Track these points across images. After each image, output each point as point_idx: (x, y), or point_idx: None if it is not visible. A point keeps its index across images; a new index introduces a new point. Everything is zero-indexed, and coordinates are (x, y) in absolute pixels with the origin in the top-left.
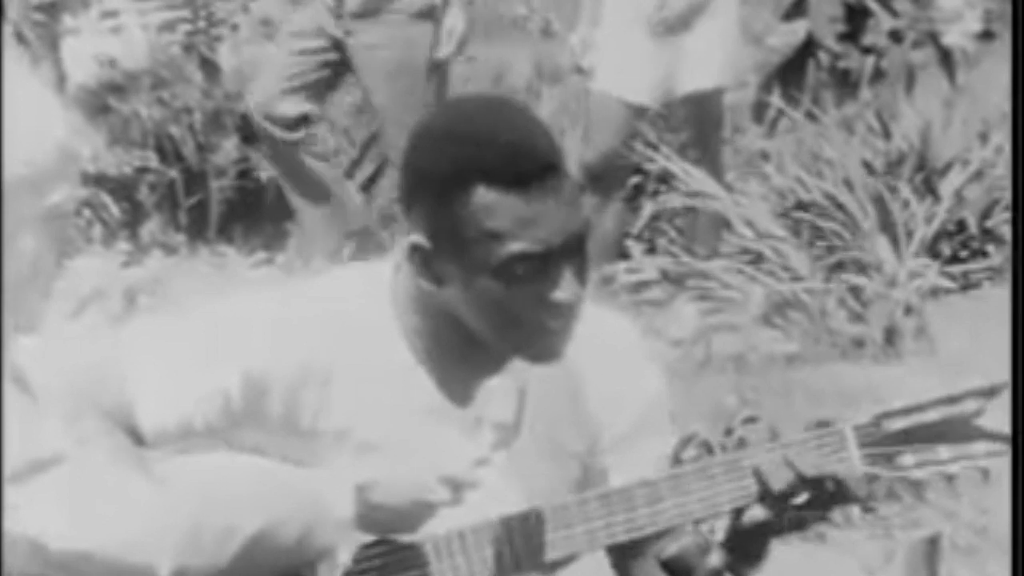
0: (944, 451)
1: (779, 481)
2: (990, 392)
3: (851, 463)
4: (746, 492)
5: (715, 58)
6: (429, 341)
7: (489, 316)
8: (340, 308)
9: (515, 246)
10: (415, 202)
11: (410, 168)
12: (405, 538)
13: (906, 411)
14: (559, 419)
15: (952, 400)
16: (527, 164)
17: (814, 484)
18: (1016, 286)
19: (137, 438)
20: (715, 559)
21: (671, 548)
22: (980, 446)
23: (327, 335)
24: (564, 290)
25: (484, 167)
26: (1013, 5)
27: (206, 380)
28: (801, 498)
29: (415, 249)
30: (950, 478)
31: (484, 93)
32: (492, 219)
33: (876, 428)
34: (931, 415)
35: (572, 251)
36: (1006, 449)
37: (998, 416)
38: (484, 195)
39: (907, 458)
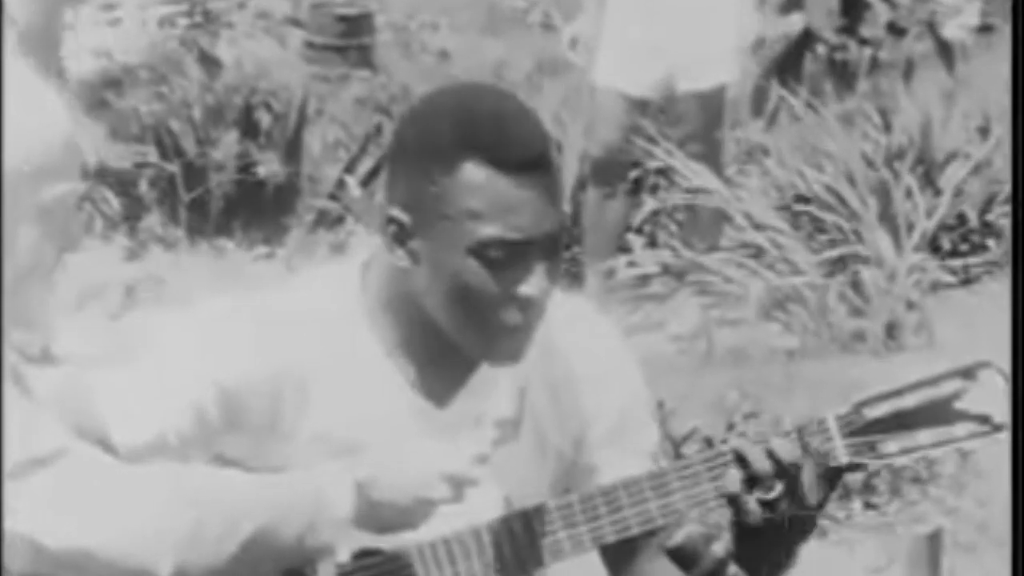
0: (925, 435)
1: (758, 462)
2: (967, 373)
3: (835, 454)
4: (727, 489)
5: (719, 56)
6: (401, 339)
7: (454, 304)
8: (312, 312)
9: (492, 229)
10: (400, 173)
11: (401, 139)
12: (391, 548)
13: (885, 396)
14: (545, 415)
15: (930, 383)
16: (520, 150)
17: (788, 471)
18: (1016, 279)
19: (111, 452)
20: (719, 548)
21: (676, 537)
22: (961, 428)
23: (301, 340)
24: (532, 285)
25: (477, 143)
26: (1013, 5)
27: (179, 393)
28: (776, 490)
29: (392, 222)
30: (931, 464)
31: (492, 83)
32: (475, 198)
33: (857, 416)
34: (910, 400)
35: (547, 249)
36: (987, 430)
37: (977, 397)
38: (472, 171)
39: (889, 445)
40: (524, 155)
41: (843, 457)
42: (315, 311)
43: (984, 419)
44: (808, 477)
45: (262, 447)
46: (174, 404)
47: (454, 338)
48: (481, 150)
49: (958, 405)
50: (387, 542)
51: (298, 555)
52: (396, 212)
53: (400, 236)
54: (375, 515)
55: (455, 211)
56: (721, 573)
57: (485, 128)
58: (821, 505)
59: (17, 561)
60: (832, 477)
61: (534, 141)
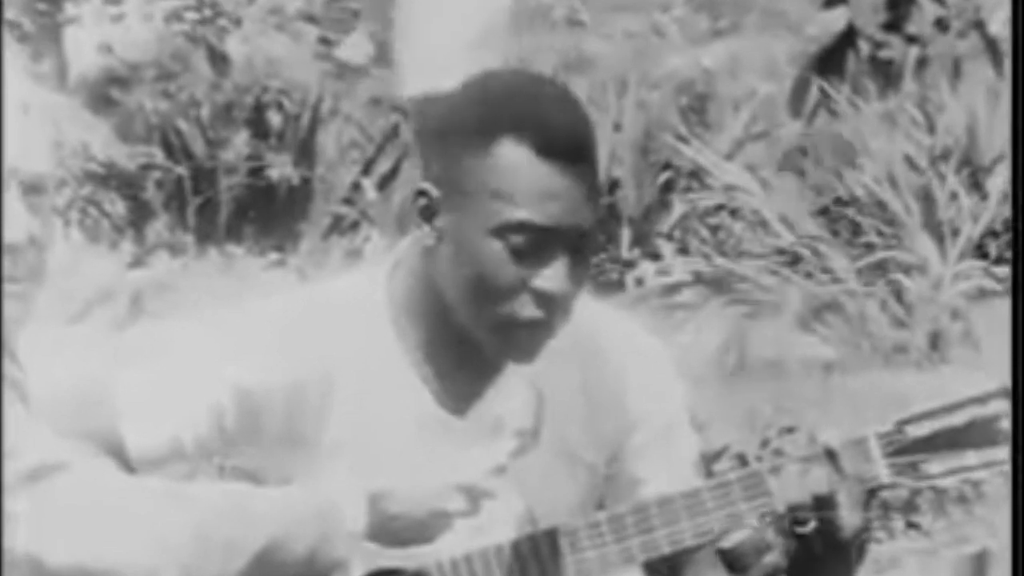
0: (970, 457)
1: (794, 494)
2: (1012, 392)
3: (876, 474)
4: (765, 510)
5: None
6: (424, 346)
7: (470, 289)
8: (335, 317)
9: (519, 213)
10: (436, 148)
11: (445, 115)
12: (411, 567)
13: (929, 415)
14: (573, 427)
15: (975, 401)
16: (560, 137)
17: (821, 503)
18: (1016, 298)
19: (124, 462)
20: (771, 560)
21: (732, 539)
22: (1006, 450)
23: (323, 346)
24: (548, 279)
25: (518, 122)
26: (1013, 5)
27: (198, 397)
28: (810, 524)
29: (422, 194)
30: (976, 484)
31: (541, 73)
32: (507, 179)
33: (900, 435)
34: (955, 419)
35: (573, 244)
36: None
37: None
38: (508, 150)
39: (933, 466)
40: (566, 142)
41: (885, 478)
42: (338, 317)
43: None
44: (846, 505)
45: (279, 456)
46: (191, 409)
47: (470, 331)
48: (521, 130)
49: (1003, 426)
50: (404, 557)
51: (310, 570)
52: (427, 186)
53: (428, 211)
54: (390, 528)
55: (484, 189)
56: None
57: (529, 109)
58: (865, 531)
59: None
60: (869, 498)
61: (578, 130)
